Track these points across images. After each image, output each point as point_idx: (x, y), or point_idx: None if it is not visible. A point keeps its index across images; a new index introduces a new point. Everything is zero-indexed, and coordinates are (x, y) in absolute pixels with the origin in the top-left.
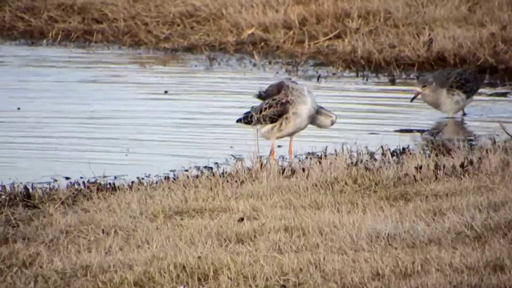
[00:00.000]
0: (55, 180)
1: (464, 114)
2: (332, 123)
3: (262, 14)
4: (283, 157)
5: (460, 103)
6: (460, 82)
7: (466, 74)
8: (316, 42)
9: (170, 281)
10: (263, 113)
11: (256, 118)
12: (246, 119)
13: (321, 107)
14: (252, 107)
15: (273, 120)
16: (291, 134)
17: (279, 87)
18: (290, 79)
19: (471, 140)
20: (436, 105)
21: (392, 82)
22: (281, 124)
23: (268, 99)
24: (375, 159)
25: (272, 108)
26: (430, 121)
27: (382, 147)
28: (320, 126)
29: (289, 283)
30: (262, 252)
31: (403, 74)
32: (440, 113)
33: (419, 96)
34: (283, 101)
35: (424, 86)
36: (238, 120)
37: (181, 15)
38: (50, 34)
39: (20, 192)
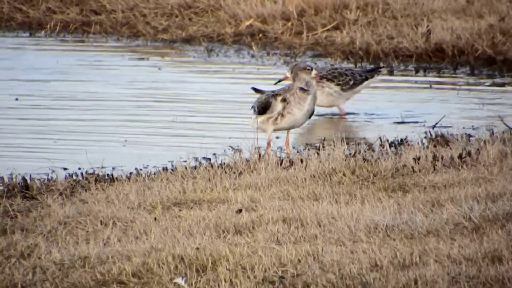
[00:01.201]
0: (53, 171)
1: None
2: None
3: (260, 5)
4: (281, 148)
5: (334, 96)
6: (332, 75)
7: (343, 69)
8: (314, 33)
9: (168, 272)
10: (258, 101)
11: (251, 106)
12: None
13: None
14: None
15: (259, 111)
16: (287, 129)
17: (295, 72)
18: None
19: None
20: None
21: (391, 73)
22: (276, 118)
23: (271, 92)
24: (373, 150)
25: (263, 98)
26: (428, 113)
27: (380, 138)
28: None
29: (287, 274)
30: (261, 244)
31: (401, 66)
32: (437, 104)
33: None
34: (281, 98)
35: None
36: (255, 90)
37: (179, 6)
38: (49, 26)
39: (18, 183)
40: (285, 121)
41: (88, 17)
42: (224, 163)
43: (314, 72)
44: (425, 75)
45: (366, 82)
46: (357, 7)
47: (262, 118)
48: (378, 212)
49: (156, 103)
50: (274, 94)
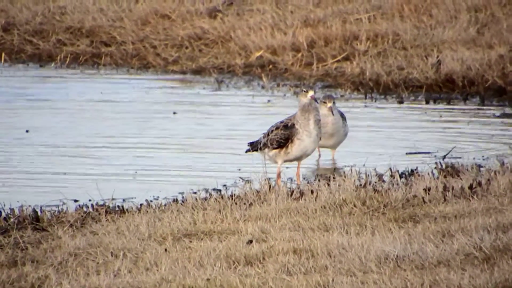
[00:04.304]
0: (64, 203)
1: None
2: None
3: (271, 37)
4: (291, 179)
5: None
6: None
7: None
8: (325, 64)
9: None
10: (270, 136)
11: (263, 143)
12: (255, 147)
13: None
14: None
15: (280, 144)
16: (298, 159)
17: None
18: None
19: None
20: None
21: (401, 104)
22: (287, 147)
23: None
24: (383, 181)
25: (279, 130)
26: (438, 143)
27: (390, 169)
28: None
29: None
30: (271, 274)
31: (411, 96)
32: (447, 135)
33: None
34: (289, 124)
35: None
36: (247, 150)
37: (190, 38)
38: (59, 57)
39: (29, 215)
40: (295, 148)
41: (98, 48)
42: (235, 194)
43: (310, 93)
44: (435, 106)
45: None
46: (367, 38)
47: (274, 150)
48: (389, 242)
49: (166, 134)
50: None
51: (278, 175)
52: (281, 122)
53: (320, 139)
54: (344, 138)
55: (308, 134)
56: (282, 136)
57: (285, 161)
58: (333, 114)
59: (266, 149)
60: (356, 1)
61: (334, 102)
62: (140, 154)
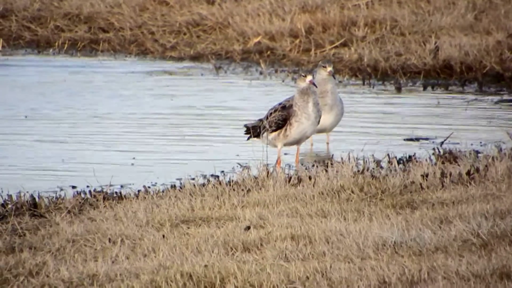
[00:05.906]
0: (62, 189)
1: None
2: None
3: (269, 23)
4: (290, 165)
5: None
6: None
7: None
8: (323, 50)
9: None
10: (269, 119)
11: (263, 126)
12: (255, 133)
13: None
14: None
15: (278, 125)
16: (298, 141)
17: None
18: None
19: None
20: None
21: (398, 90)
22: (285, 129)
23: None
24: (381, 167)
25: (277, 112)
26: (436, 129)
27: (388, 155)
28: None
29: None
30: (269, 261)
31: (409, 82)
32: (445, 121)
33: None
34: (287, 105)
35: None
36: (249, 138)
37: (188, 24)
38: (57, 44)
39: (27, 202)
40: (294, 130)
41: (96, 35)
42: (233, 181)
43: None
44: (433, 92)
45: None
46: (365, 24)
47: (274, 133)
48: (386, 229)
49: (164, 120)
50: (284, 106)
51: (278, 160)
52: (279, 104)
53: (319, 122)
54: (341, 117)
55: (307, 116)
56: (280, 117)
57: (285, 144)
58: (334, 78)
59: (266, 133)
60: None
61: (333, 67)
62: (138, 140)
